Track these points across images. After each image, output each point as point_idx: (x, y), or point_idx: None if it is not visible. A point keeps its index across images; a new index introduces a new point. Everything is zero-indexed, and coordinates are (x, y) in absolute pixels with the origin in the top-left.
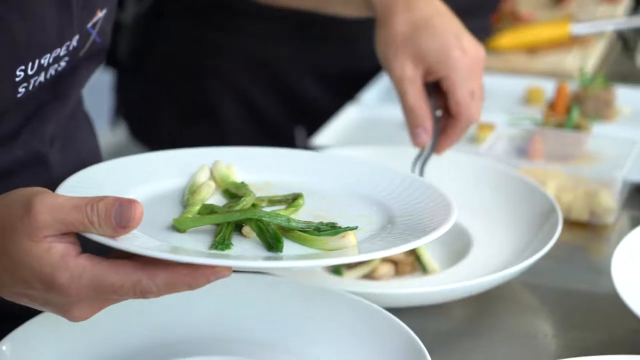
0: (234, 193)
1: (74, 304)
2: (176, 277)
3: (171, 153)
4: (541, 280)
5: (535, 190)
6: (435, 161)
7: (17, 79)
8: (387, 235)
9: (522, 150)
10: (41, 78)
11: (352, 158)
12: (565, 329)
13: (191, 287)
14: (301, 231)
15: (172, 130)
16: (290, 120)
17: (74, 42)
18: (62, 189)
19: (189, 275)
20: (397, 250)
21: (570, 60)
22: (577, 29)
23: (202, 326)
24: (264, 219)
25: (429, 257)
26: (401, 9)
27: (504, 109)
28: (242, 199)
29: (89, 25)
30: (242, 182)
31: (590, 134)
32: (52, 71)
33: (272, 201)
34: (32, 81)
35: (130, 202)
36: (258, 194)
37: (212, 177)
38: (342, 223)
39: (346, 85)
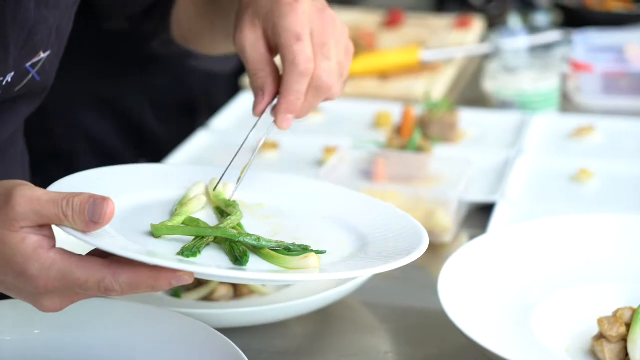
0: (223, 210)
1: (44, 294)
2: (139, 277)
3: (172, 167)
4: (379, 299)
5: None
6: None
7: None
8: (356, 261)
9: (368, 173)
10: None
11: (340, 189)
12: (400, 345)
13: (154, 289)
14: (271, 250)
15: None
16: (134, 152)
17: (8, 78)
18: (55, 187)
19: (151, 277)
20: (355, 274)
21: (419, 86)
22: (426, 55)
23: (31, 348)
24: (235, 238)
25: None
26: None
27: (351, 133)
28: (228, 217)
29: (28, 64)
30: (233, 201)
31: (430, 156)
32: None
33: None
34: None
35: (104, 199)
36: (247, 214)
37: (206, 193)
38: (315, 246)
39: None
